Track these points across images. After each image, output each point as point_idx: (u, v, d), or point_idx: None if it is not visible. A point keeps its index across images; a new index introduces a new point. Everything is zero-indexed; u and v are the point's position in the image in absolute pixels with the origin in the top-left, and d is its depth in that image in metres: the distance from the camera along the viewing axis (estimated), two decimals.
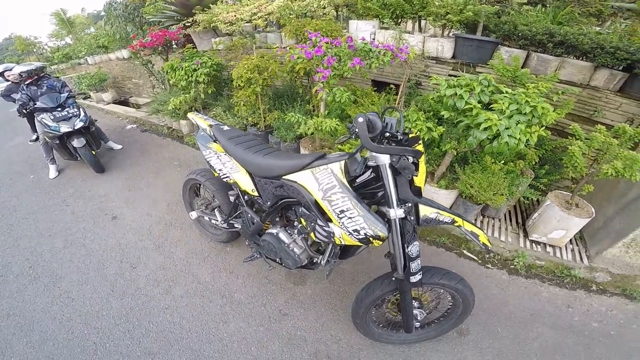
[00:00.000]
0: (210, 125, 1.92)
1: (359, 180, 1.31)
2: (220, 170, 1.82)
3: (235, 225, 2.07)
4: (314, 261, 1.72)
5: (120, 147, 4.36)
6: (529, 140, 1.79)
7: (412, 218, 1.23)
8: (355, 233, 1.24)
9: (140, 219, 2.89)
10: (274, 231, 1.69)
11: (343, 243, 1.33)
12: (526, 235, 2.52)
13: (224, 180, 1.84)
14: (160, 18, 5.14)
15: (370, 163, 1.23)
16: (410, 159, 1.18)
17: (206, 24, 4.06)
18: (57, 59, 9.57)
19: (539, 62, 2.57)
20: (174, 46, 4.90)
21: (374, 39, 3.04)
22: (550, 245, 2.44)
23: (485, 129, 1.75)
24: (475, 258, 2.44)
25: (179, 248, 2.52)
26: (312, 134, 2.62)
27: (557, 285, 2.27)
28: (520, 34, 2.52)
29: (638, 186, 2.14)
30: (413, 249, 1.27)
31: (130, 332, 1.94)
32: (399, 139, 1.18)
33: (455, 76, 2.41)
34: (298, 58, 2.42)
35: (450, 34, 2.89)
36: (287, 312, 2.02)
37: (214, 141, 1.86)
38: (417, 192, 1.27)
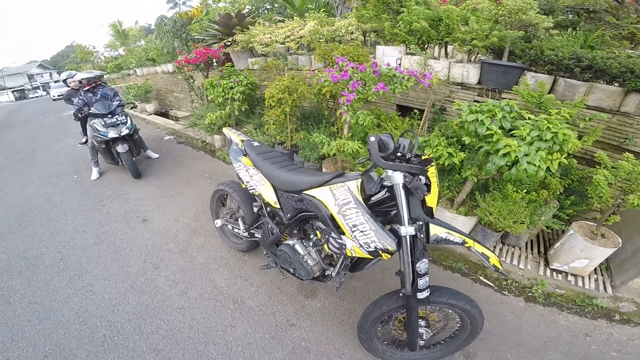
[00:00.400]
0: (242, 141, 2.09)
1: (374, 198, 1.39)
2: (247, 182, 1.96)
3: (256, 235, 2.20)
4: (326, 274, 1.79)
5: (157, 156, 4.73)
6: (549, 167, 1.78)
7: (422, 236, 1.27)
8: (366, 246, 1.31)
9: (168, 224, 3.11)
10: (290, 242, 1.79)
11: (354, 255, 1.39)
12: (547, 264, 2.44)
13: (250, 191, 1.98)
14: (204, 36, 5.62)
15: (386, 183, 1.30)
16: (423, 180, 1.24)
17: (244, 44, 4.40)
18: (109, 69, 10.54)
19: (566, 87, 2.53)
20: (215, 64, 5.32)
21: (399, 64, 3.15)
22: (572, 275, 2.34)
23: (504, 155, 1.77)
24: (492, 284, 2.37)
25: (200, 253, 2.67)
26: (335, 155, 2.73)
27: (576, 314, 2.16)
28: (546, 59, 2.52)
29: None
30: (422, 265, 1.30)
31: (141, 328, 2.04)
32: (408, 158, 1.25)
33: (480, 102, 2.45)
34: (325, 81, 2.57)
35: (476, 60, 2.94)
36: (295, 322, 2.06)
37: (245, 155, 2.02)
38: (429, 212, 1.32)
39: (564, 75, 2.60)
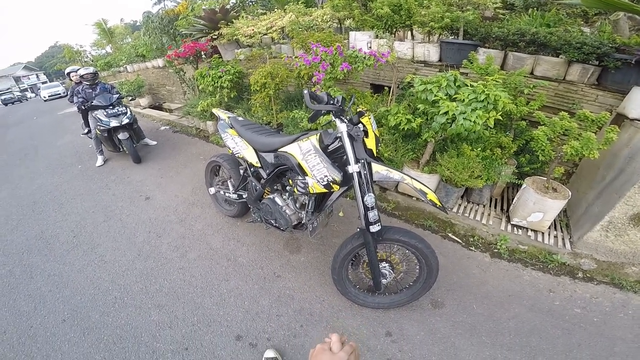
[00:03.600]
0: (229, 117, 2.60)
1: (330, 148, 1.82)
2: (233, 148, 2.45)
3: (243, 196, 2.68)
4: (302, 223, 2.24)
5: (155, 143, 5.27)
6: (487, 123, 2.23)
7: (365, 172, 1.71)
8: (321, 180, 1.77)
9: (168, 200, 3.60)
10: (271, 196, 2.28)
11: (315, 191, 1.84)
12: (509, 220, 2.79)
13: (236, 156, 2.47)
14: (191, 31, 6.07)
15: (338, 135, 1.75)
16: (361, 127, 1.70)
17: (230, 37, 4.86)
18: (99, 67, 10.96)
19: (515, 60, 2.98)
20: (203, 56, 5.79)
21: (370, 47, 3.60)
22: (532, 230, 2.68)
23: (445, 114, 2.23)
24: (460, 241, 2.74)
25: (198, 222, 3.15)
26: (311, 128, 3.19)
27: (540, 270, 2.42)
28: (494, 36, 2.97)
29: (612, 171, 2.42)
30: (369, 199, 1.71)
31: (147, 288, 2.41)
32: (343, 110, 1.72)
33: None
34: (301, 65, 3.05)
35: (437, 40, 3.38)
36: (281, 274, 2.46)
37: (231, 127, 2.52)
38: (370, 154, 1.75)
39: (512, 50, 3.04)
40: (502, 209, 3.02)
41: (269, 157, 2.17)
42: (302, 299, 2.25)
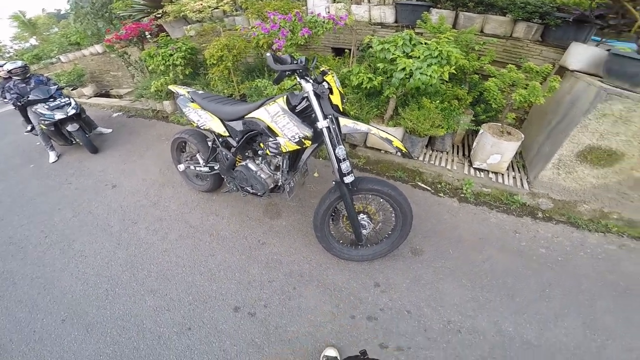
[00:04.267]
0: (188, 91, 2.56)
1: (298, 108, 1.91)
2: (198, 121, 2.43)
3: (215, 168, 2.70)
4: (278, 185, 2.32)
5: (110, 130, 4.97)
6: (442, 76, 2.43)
7: (334, 127, 1.83)
8: (293, 138, 1.87)
9: (137, 185, 3.51)
10: (244, 163, 2.33)
11: (287, 150, 1.94)
12: (471, 164, 3.09)
13: (202, 128, 2.46)
14: (130, 12, 5.69)
15: (304, 95, 1.84)
16: (326, 85, 1.80)
17: (176, 14, 4.63)
18: (27, 61, 9.95)
19: (465, 19, 3.21)
20: (148, 36, 5.47)
21: (328, 12, 3.65)
22: (493, 173, 2.98)
23: (403, 70, 2.39)
24: (429, 188, 2.99)
25: (172, 202, 3.13)
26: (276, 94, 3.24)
27: (504, 212, 2.69)
28: None
29: (557, 115, 2.76)
30: (340, 151, 1.84)
31: (135, 276, 2.41)
32: (308, 69, 1.82)
33: None
34: (259, 34, 3.04)
35: (392, 2, 3.51)
36: (265, 241, 2.54)
37: (192, 101, 2.49)
38: (337, 109, 1.86)
39: (463, 10, 3.26)
40: (464, 154, 3.33)
41: (237, 125, 2.21)
42: (290, 262, 2.36)
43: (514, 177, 2.97)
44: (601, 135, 2.37)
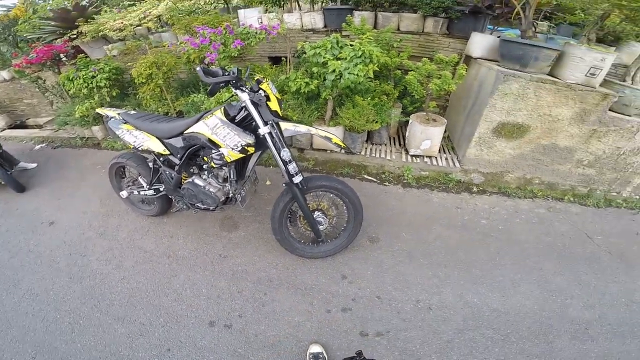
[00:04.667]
0: (119, 113, 2.48)
1: (237, 118, 1.98)
2: (134, 142, 2.36)
3: (160, 189, 2.63)
4: (230, 196, 2.35)
5: (34, 165, 4.45)
6: (368, 74, 2.66)
7: (276, 131, 1.94)
8: (235, 147, 1.94)
9: (77, 218, 3.25)
10: (190, 179, 2.32)
11: (232, 159, 1.99)
12: (407, 152, 3.42)
13: (139, 149, 2.38)
14: (39, 34, 5.22)
15: (242, 105, 1.92)
16: (262, 93, 1.89)
17: (94, 34, 4.36)
18: None
19: (384, 19, 3.54)
20: (64, 59, 5.05)
21: (261, 22, 3.74)
22: (427, 157, 3.32)
23: (333, 72, 2.59)
24: (374, 179, 3.24)
25: (120, 231, 2.96)
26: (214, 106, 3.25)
27: (444, 191, 2.97)
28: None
29: (470, 99, 3.13)
30: (285, 154, 1.95)
31: (97, 306, 2.31)
32: (241, 79, 1.90)
33: None
34: (188, 50, 3.04)
35: (320, 8, 3.74)
36: (227, 254, 2.55)
37: (125, 123, 2.42)
38: (276, 114, 1.96)
39: (381, 10, 3.58)
40: (400, 144, 3.66)
41: (177, 142, 2.20)
42: (256, 270, 2.40)
43: (446, 159, 3.33)
44: (507, 112, 2.78)
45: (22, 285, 2.60)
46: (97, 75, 4.01)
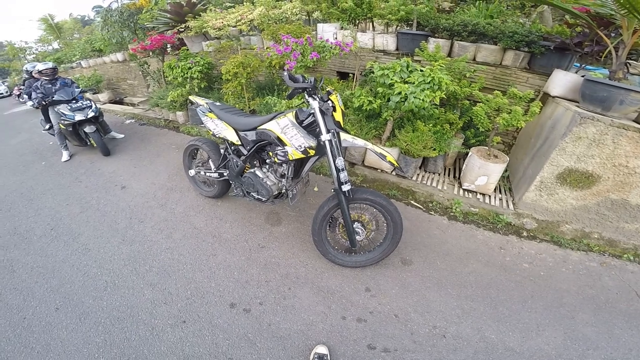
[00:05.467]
0: (207, 102, 2.85)
1: (305, 122, 2.17)
2: (214, 129, 2.72)
3: (224, 174, 2.93)
4: (282, 192, 2.56)
5: (122, 136, 5.30)
6: (434, 101, 2.69)
7: (335, 140, 2.07)
8: (299, 147, 2.12)
9: (145, 187, 3.74)
10: (252, 170, 2.58)
11: (294, 158, 2.18)
12: (461, 186, 3.29)
13: (217, 137, 2.74)
14: (155, 24, 6.12)
15: (311, 111, 2.10)
16: (330, 103, 2.06)
17: (197, 30, 5.02)
18: None
19: (460, 48, 3.51)
20: (170, 49, 5.86)
21: (336, 38, 3.99)
22: (481, 194, 3.18)
23: (398, 94, 2.66)
24: (421, 207, 3.19)
25: (178, 205, 3.34)
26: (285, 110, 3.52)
27: (490, 230, 2.85)
28: (442, 27, 3.48)
29: (540, 139, 2.96)
30: (339, 162, 2.07)
31: (137, 270, 2.54)
32: (316, 88, 2.08)
33: None
34: (273, 55, 3.37)
35: (394, 31, 3.86)
36: (265, 245, 2.72)
37: (210, 112, 2.78)
38: (338, 125, 2.11)
39: (458, 39, 3.58)
40: (454, 176, 3.55)
41: (250, 135, 2.46)
42: (287, 265, 2.51)
43: (500, 199, 3.15)
44: (578, 158, 2.55)
45: (80, 239, 3.00)
46: (192, 67, 4.61)
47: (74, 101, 4.38)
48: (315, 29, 4.29)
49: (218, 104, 2.83)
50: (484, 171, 3.04)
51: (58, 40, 14.72)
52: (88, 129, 4.39)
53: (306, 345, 1.97)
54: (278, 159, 2.25)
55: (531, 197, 2.87)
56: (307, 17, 4.86)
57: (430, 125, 3.21)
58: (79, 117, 4.26)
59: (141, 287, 2.40)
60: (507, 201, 3.13)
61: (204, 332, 2.06)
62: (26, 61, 13.58)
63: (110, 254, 2.75)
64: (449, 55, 3.63)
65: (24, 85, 5.55)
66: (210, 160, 3.06)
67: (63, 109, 4.28)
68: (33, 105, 4.38)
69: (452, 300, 2.26)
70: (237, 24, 4.57)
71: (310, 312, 2.17)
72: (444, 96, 2.74)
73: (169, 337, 2.04)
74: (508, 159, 3.09)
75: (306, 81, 2.05)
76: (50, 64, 4.45)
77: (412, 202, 3.28)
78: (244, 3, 5.05)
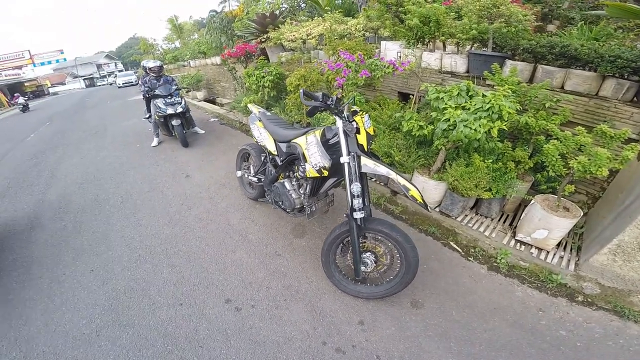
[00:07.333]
0: (259, 111, 3.00)
1: (331, 141, 2.10)
2: (258, 137, 2.88)
3: (261, 180, 3.08)
4: (304, 206, 2.52)
5: (203, 132, 6.01)
6: (490, 132, 2.31)
7: (354, 164, 1.93)
8: (315, 166, 2.08)
9: (204, 179, 4.15)
10: (282, 180, 2.65)
11: (310, 175, 2.16)
12: (515, 235, 2.76)
13: (260, 144, 2.90)
14: (244, 33, 6.74)
15: (337, 130, 2.01)
16: (354, 124, 1.94)
17: (275, 40, 5.34)
18: (167, 60, 12.38)
19: (544, 73, 2.92)
20: (254, 57, 6.38)
21: (400, 56, 3.78)
22: (537, 248, 2.63)
23: (447, 121, 2.37)
24: (459, 250, 2.75)
25: (223, 201, 3.60)
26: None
27: (536, 289, 2.37)
28: (523, 48, 2.98)
29: (632, 194, 2.32)
30: (355, 188, 1.93)
31: (167, 251, 2.83)
32: (338, 107, 1.97)
33: None
34: (327, 70, 3.36)
35: (466, 51, 3.46)
36: (281, 253, 2.74)
37: (259, 120, 2.92)
38: (361, 148, 1.97)
39: (542, 63, 3.01)
40: (510, 224, 3.00)
41: (284, 147, 2.52)
42: (293, 277, 2.49)
43: (561, 257, 2.56)
44: None
45: (138, 214, 3.47)
46: (265, 76, 4.92)
47: (169, 97, 5.09)
48: (379, 46, 4.16)
49: (268, 113, 2.95)
50: (544, 224, 2.48)
51: (179, 40, 17.22)
52: (174, 122, 5.06)
53: (275, 358, 1.91)
54: (299, 175, 2.26)
55: (601, 260, 2.27)
56: (374, 34, 4.73)
57: (490, 161, 2.77)
58: (169, 111, 4.95)
59: (163, 266, 2.65)
60: (568, 260, 2.52)
61: (192, 318, 2.18)
62: (155, 56, 16.26)
63: (154, 232, 3.11)
64: (531, 81, 3.08)
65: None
66: (252, 165, 3.23)
67: (160, 102, 5.02)
68: (143, 96, 5.25)
69: (449, 355, 1.92)
70: (308, 37, 4.71)
71: (294, 328, 2.10)
72: (504, 127, 2.34)
73: (161, 315, 2.21)
74: (581, 213, 2.47)
75: (328, 99, 1.98)
76: (158, 63, 5.25)
77: (451, 242, 2.84)
78: (315, 17, 5.19)
